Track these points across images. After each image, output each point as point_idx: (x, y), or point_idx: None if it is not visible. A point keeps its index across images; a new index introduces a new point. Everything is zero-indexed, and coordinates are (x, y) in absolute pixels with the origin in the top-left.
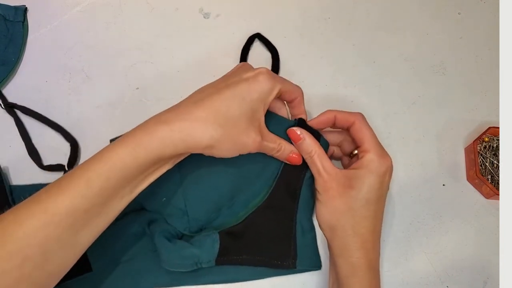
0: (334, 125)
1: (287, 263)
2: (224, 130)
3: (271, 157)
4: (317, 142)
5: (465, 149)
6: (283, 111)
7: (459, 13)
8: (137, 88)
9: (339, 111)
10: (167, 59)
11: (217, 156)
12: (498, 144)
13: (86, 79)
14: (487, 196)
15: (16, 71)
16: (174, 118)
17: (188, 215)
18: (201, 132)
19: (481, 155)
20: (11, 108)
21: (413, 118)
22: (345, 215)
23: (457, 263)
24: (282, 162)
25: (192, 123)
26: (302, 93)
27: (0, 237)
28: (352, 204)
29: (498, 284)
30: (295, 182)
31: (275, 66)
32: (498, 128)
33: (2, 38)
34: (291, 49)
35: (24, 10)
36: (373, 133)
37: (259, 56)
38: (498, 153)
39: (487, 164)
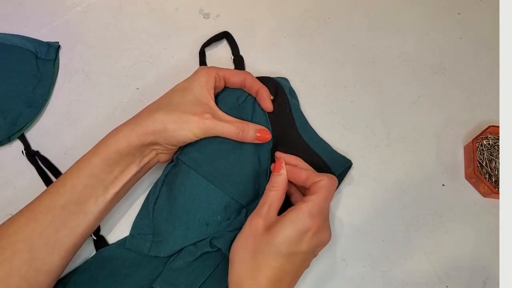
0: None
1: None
2: (166, 112)
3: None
4: (287, 184)
5: (464, 147)
6: None
7: (459, 13)
8: (137, 88)
9: None
10: (167, 59)
11: (174, 142)
12: (497, 143)
13: (86, 79)
14: (485, 195)
15: (42, 113)
16: (131, 118)
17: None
18: (146, 119)
19: (480, 153)
20: (32, 156)
21: (413, 118)
22: (251, 255)
23: (457, 263)
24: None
25: (140, 115)
26: (251, 75)
27: None
28: (261, 248)
29: (498, 284)
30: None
31: (239, 62)
32: (498, 127)
33: (32, 78)
34: (291, 49)
35: (57, 47)
36: (328, 195)
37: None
38: (497, 152)
39: (483, 164)
